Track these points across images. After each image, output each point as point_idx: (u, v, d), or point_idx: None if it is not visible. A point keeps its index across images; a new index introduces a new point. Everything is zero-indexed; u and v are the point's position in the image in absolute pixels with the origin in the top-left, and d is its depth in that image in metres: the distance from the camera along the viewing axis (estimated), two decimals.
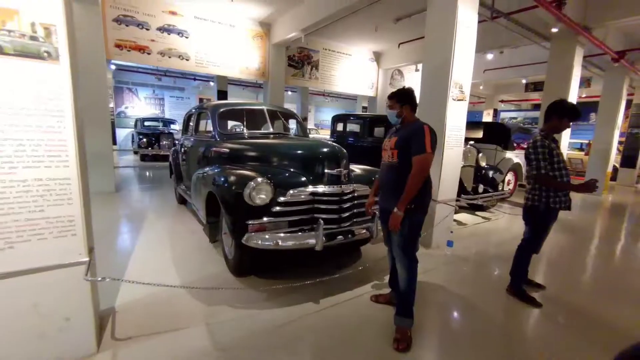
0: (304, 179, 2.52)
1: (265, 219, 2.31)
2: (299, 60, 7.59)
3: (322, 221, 2.33)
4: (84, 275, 1.47)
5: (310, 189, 2.47)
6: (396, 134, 2.00)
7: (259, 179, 2.28)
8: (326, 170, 2.53)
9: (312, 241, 2.30)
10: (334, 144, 2.67)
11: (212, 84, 12.46)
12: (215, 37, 6.40)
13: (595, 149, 7.73)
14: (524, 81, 11.11)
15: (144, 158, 10.51)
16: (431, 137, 1.85)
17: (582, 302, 2.59)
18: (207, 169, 3.06)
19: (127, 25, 5.52)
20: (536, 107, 15.22)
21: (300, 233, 2.37)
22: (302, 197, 2.43)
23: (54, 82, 1.43)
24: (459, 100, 3.43)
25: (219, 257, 3.01)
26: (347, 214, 2.59)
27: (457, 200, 3.80)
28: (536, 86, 11.92)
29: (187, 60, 6.15)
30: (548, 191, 2.37)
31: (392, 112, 2.04)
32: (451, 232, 3.53)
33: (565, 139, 6.13)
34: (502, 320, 2.34)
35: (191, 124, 4.36)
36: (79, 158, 1.54)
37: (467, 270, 3.12)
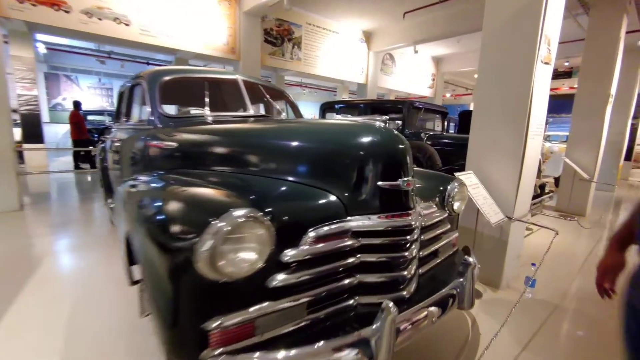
0: (333, 199, 1.18)
1: (253, 309, 0.95)
2: (278, 35, 6.16)
3: (390, 305, 1.00)
4: None
5: (352, 223, 1.15)
6: None
7: (238, 213, 0.90)
8: (379, 183, 1.20)
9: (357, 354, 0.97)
10: (387, 127, 1.34)
11: None
12: None
13: (608, 141, 7.04)
14: None
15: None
16: None
17: None
18: (140, 179, 1.61)
19: None
20: None
21: (324, 342, 1.01)
22: (339, 243, 1.10)
23: None
24: (545, 63, 2.23)
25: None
26: (414, 268, 1.30)
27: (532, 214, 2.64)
28: None
29: (126, 25, 4.51)
30: None
31: None
32: (533, 264, 2.35)
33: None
34: None
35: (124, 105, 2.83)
36: None
37: (571, 331, 1.94)
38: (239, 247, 0.89)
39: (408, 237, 1.23)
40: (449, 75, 11.40)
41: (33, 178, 6.67)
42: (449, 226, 1.70)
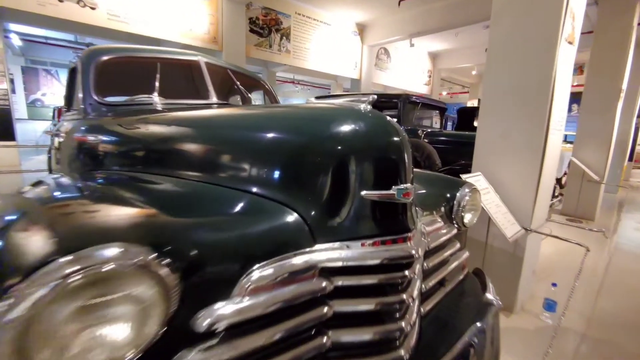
0: (293, 217, 0.78)
1: None
2: (265, 25, 5.73)
3: None
4: None
5: (322, 254, 0.75)
6: None
7: (101, 253, 0.49)
8: (364, 193, 0.80)
9: None
10: (375, 111, 0.95)
11: None
12: None
13: (616, 141, 6.74)
14: None
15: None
16: None
17: None
18: (40, 184, 1.19)
19: None
20: None
21: None
22: (300, 288, 0.70)
23: None
24: (569, 42, 1.86)
25: None
26: (415, 314, 0.90)
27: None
28: None
29: (92, 9, 4.06)
30: None
31: None
32: (554, 285, 1.97)
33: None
34: None
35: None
36: None
37: None
38: (96, 320, 0.48)
39: (407, 272, 0.84)
40: (445, 72, 11.06)
41: (2, 178, 6.21)
42: (458, 245, 1.31)
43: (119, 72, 1.88)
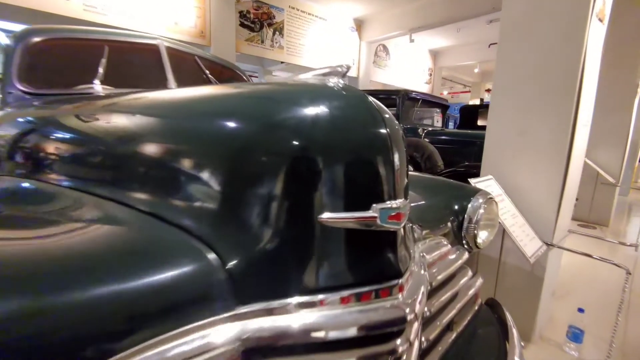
0: (201, 260, 0.46)
1: None
2: (256, 19, 5.43)
3: None
4: None
5: (251, 322, 0.43)
6: None
7: None
8: (324, 217, 0.48)
9: None
10: (351, 88, 0.64)
11: None
12: None
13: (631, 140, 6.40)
14: None
15: None
16: None
17: None
18: None
19: None
20: None
21: None
22: None
23: None
24: (599, 20, 1.54)
25: None
26: None
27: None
28: None
29: None
30: None
31: None
32: (580, 310, 1.64)
33: None
34: None
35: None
36: None
37: None
38: None
39: (398, 341, 0.52)
40: (446, 70, 10.74)
41: None
42: (470, 274, 1.00)
43: (58, 57, 1.57)
